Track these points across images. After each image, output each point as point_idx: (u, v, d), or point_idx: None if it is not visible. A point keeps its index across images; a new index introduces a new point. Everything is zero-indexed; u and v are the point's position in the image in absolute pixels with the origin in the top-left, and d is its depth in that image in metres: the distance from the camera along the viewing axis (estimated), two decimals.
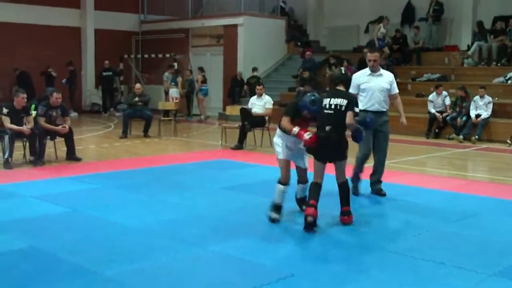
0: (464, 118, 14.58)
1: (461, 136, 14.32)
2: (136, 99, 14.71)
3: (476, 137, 14.21)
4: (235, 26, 20.85)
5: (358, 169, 7.72)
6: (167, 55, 21.77)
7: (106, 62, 21.41)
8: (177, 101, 18.68)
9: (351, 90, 7.00)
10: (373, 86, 7.51)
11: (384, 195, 7.75)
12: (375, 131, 7.48)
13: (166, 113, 18.27)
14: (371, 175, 7.91)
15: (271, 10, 22.69)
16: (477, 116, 14.45)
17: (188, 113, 20.23)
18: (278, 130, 6.38)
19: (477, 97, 14.64)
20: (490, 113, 14.45)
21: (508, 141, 13.70)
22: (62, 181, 8.73)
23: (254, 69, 19.84)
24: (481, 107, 14.56)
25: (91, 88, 22.31)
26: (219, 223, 6.41)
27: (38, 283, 4.48)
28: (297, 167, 6.57)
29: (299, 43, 22.06)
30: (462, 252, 5.50)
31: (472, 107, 14.65)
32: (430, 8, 18.92)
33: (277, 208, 6.37)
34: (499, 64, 16.90)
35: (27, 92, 11.19)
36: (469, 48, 17.87)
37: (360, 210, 6.96)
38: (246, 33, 20.76)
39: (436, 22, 18.91)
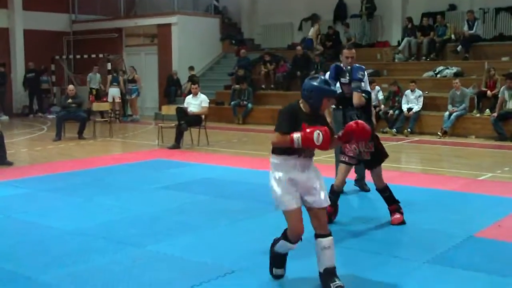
0: (396, 112, 14.93)
1: (394, 130, 14.66)
2: (70, 100, 14.41)
3: (409, 130, 14.59)
4: (169, 25, 20.73)
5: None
6: (100, 55, 21.41)
7: (30, 63, 21.01)
8: (119, 100, 18.48)
9: None
10: None
11: (368, 190, 7.78)
12: None
13: (101, 114, 18.03)
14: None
15: (204, 9, 22.66)
16: (409, 109, 14.83)
17: (124, 114, 19.98)
18: (273, 162, 4.32)
19: (408, 91, 15.02)
20: (421, 107, 14.85)
21: (439, 133, 14.13)
22: None
23: (191, 68, 19.75)
24: (412, 101, 14.95)
25: (21, 90, 21.73)
26: (156, 223, 6.36)
27: None
28: (310, 210, 4.31)
29: (233, 41, 22.12)
30: (396, 241, 5.65)
31: (403, 101, 15.03)
32: (363, 5, 19.28)
33: (280, 260, 4.59)
34: (428, 59, 17.40)
35: None
36: (399, 44, 18.32)
37: None
38: (180, 32, 20.66)
39: (369, 19, 19.30)
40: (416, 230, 6.03)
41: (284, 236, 4.35)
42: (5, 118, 19.32)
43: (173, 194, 7.82)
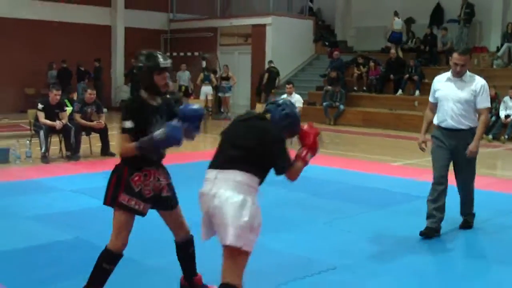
0: (493, 118, 14.57)
1: (490, 136, 14.31)
2: (168, 96, 14.90)
3: (506, 137, 14.22)
4: (263, 25, 21.00)
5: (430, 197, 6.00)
6: (196, 54, 21.96)
7: (133, 60, 21.68)
8: (211, 98, 18.92)
9: (430, 98, 6.06)
10: (447, 94, 5.85)
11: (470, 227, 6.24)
12: (452, 154, 5.90)
13: None
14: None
15: (299, 10, 22.82)
16: (507, 116, 14.44)
17: (217, 111, 20.42)
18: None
19: (507, 98, 14.63)
20: None
21: None
22: (98, 176, 8.90)
23: (270, 62, 19.95)
24: (510, 108, 14.55)
25: (121, 84, 22.60)
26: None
27: (86, 274, 4.64)
28: None
29: (326, 43, 22.15)
30: (498, 249, 5.60)
31: (501, 107, 14.65)
32: (462, 10, 18.86)
33: None
34: None
35: (66, 88, 11.43)
36: (498, 49, 17.84)
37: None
38: (274, 32, 20.89)
39: (467, 24, 18.86)
40: None
41: None
42: (104, 110, 20.11)
43: (269, 189, 7.95)
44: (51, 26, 20.59)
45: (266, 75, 19.36)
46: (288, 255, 4.93)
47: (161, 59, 3.83)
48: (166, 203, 4.07)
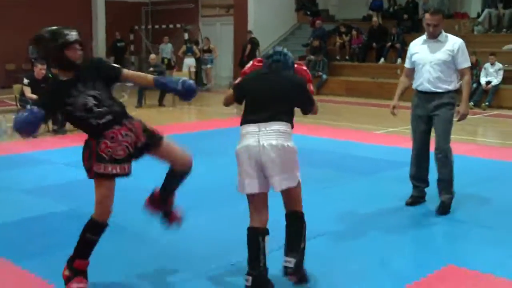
0: (474, 85, 14.75)
1: (471, 103, 14.50)
2: (151, 69, 14.94)
3: (487, 103, 14.43)
4: None
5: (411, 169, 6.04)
6: (178, 26, 21.87)
7: (117, 33, 21.63)
8: (194, 70, 18.91)
9: (406, 64, 5.95)
10: (424, 57, 5.68)
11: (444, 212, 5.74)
12: (430, 119, 5.74)
13: None
14: None
15: None
16: (488, 83, 14.64)
17: (200, 83, 20.42)
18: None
19: (487, 64, 14.81)
20: (500, 80, 14.63)
21: None
22: None
23: (249, 32, 19.96)
24: (491, 74, 14.74)
25: (102, 57, 22.45)
26: None
27: None
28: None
29: (308, 12, 22.10)
30: (483, 212, 5.80)
31: (482, 74, 14.83)
32: None
33: None
34: (509, 31, 17.01)
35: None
36: (479, 15, 17.98)
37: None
38: (256, 3, 20.83)
39: None
40: (501, 203, 6.12)
41: None
42: None
43: None
44: (29, 2, 20.36)
45: (249, 46, 19.35)
46: (277, 222, 5.06)
47: (68, 33, 3.78)
48: (147, 148, 4.11)
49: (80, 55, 3.82)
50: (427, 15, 5.63)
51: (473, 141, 10.11)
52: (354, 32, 19.08)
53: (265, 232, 3.88)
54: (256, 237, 3.85)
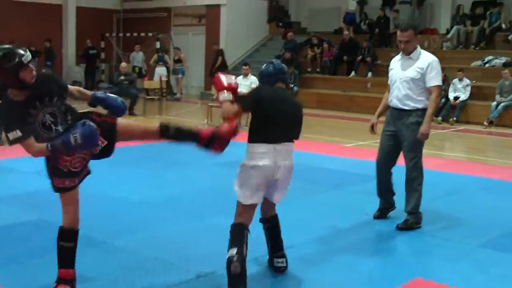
0: (443, 100, 14.99)
1: (439, 118, 14.73)
2: (122, 77, 14.87)
3: (454, 118, 14.67)
4: (217, 6, 20.98)
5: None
6: (149, 34, 21.80)
7: (88, 41, 21.49)
8: (166, 79, 18.86)
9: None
10: (396, 74, 5.69)
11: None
12: (395, 135, 5.73)
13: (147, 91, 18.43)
14: None
15: None
16: (456, 98, 14.89)
17: (170, 92, 20.38)
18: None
19: (455, 80, 15.07)
20: (468, 96, 14.89)
21: (485, 123, 14.19)
22: None
23: (216, 44, 20.10)
24: (459, 90, 15.00)
25: (72, 65, 22.27)
26: (220, 197, 6.66)
27: (53, 253, 4.72)
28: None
29: (280, 24, 22.23)
30: (447, 225, 5.88)
31: (450, 89, 15.08)
32: None
33: None
34: (477, 48, 17.34)
35: None
36: (448, 32, 18.30)
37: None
38: (229, 13, 20.89)
39: (419, 6, 19.28)
40: (466, 216, 6.20)
41: None
42: None
43: (232, 171, 8.08)
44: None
45: (220, 58, 19.35)
46: (255, 234, 5.07)
47: (22, 53, 3.59)
48: (111, 141, 4.07)
49: (34, 76, 3.66)
50: (398, 32, 5.63)
51: (441, 155, 10.25)
52: (325, 45, 19.23)
53: (248, 229, 4.19)
54: (242, 230, 4.14)
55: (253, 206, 4.24)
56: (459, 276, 4.51)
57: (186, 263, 4.61)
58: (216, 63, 19.36)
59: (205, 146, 4.33)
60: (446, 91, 15.05)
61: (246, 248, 4.06)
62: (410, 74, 5.54)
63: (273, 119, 4.13)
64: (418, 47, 5.67)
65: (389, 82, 5.85)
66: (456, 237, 5.49)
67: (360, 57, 18.30)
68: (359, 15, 20.59)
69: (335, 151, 10.17)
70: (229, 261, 3.93)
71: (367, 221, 5.95)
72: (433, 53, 6.03)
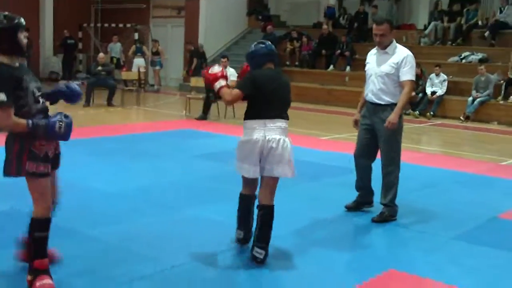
0: (420, 95, 15.10)
1: (417, 112, 14.85)
2: (100, 68, 14.74)
3: (431, 113, 14.80)
4: None
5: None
6: (128, 25, 21.64)
7: (66, 31, 21.28)
8: (144, 70, 18.75)
9: None
10: (371, 68, 5.74)
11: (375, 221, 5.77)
12: (372, 129, 5.77)
13: (125, 82, 18.33)
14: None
15: None
16: (433, 93, 15.00)
17: (146, 84, 20.25)
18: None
19: (433, 75, 15.19)
20: (445, 91, 15.03)
21: (461, 117, 14.33)
22: None
23: (189, 43, 20.02)
24: (436, 85, 15.12)
25: (50, 55, 22.04)
26: (192, 189, 6.66)
27: None
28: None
29: (260, 17, 22.20)
30: (422, 219, 5.92)
31: (428, 84, 15.21)
32: None
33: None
34: (454, 44, 17.48)
35: None
36: (425, 27, 18.42)
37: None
38: (208, 6, 20.81)
39: (397, 1, 19.39)
40: (441, 210, 6.26)
41: None
42: None
43: (206, 163, 8.10)
44: None
45: (195, 60, 19.20)
46: (228, 225, 5.07)
47: (20, 18, 3.75)
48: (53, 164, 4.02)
49: (25, 44, 3.76)
50: (373, 25, 5.66)
51: (418, 149, 10.32)
52: (304, 39, 19.25)
53: (254, 197, 4.68)
54: (248, 201, 4.69)
55: (253, 180, 4.59)
56: (432, 268, 4.55)
57: (160, 254, 4.59)
58: (192, 64, 19.25)
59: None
60: (424, 86, 15.17)
61: (252, 219, 4.72)
62: (385, 69, 5.56)
63: (266, 98, 4.44)
64: (394, 41, 5.69)
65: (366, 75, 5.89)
66: (430, 230, 5.54)
67: (339, 51, 18.36)
68: (337, 9, 20.62)
69: (312, 143, 10.19)
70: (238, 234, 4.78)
71: (344, 213, 5.97)
72: (411, 48, 6.06)
